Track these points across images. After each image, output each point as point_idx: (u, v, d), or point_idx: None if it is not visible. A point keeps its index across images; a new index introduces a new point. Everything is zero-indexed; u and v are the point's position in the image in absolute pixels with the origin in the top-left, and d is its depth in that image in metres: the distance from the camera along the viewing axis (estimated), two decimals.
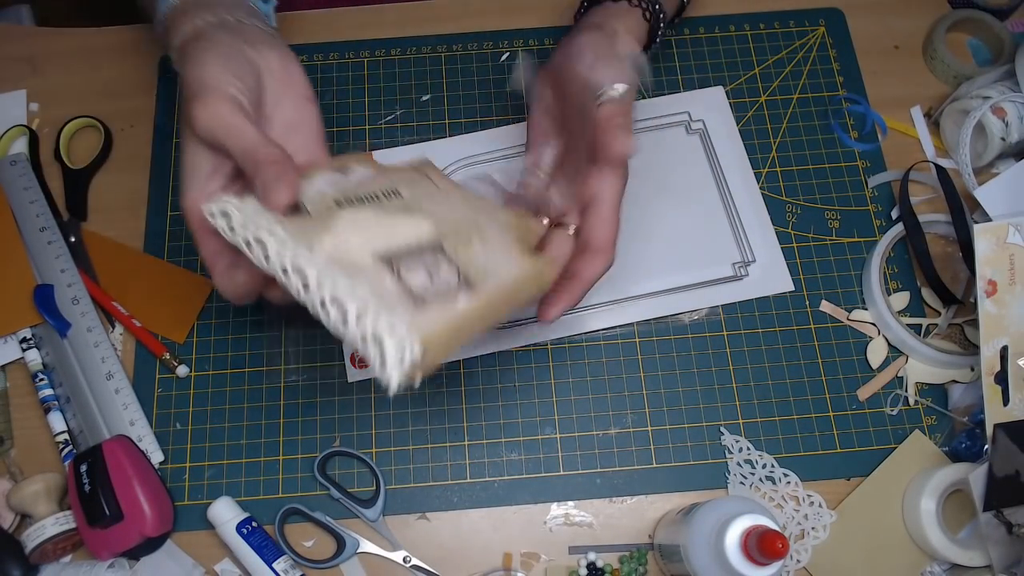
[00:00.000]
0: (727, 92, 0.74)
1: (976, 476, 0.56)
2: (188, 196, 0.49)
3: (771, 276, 0.67)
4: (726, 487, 0.62)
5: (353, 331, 0.42)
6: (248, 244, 0.45)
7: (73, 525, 0.58)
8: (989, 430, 0.57)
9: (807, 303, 0.67)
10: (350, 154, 0.54)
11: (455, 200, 0.52)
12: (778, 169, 0.71)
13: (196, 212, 0.49)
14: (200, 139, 0.48)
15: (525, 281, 0.49)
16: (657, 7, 0.62)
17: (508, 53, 0.76)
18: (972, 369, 0.63)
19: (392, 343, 0.42)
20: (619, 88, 0.52)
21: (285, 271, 0.44)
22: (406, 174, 0.54)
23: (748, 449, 0.62)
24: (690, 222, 0.69)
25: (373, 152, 0.72)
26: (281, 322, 0.66)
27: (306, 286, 0.43)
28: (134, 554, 0.58)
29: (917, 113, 0.73)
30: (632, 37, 0.60)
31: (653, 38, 0.63)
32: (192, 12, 0.55)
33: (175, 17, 0.56)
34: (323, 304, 0.43)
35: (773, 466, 0.62)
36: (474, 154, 0.71)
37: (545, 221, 0.55)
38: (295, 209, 0.48)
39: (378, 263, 0.46)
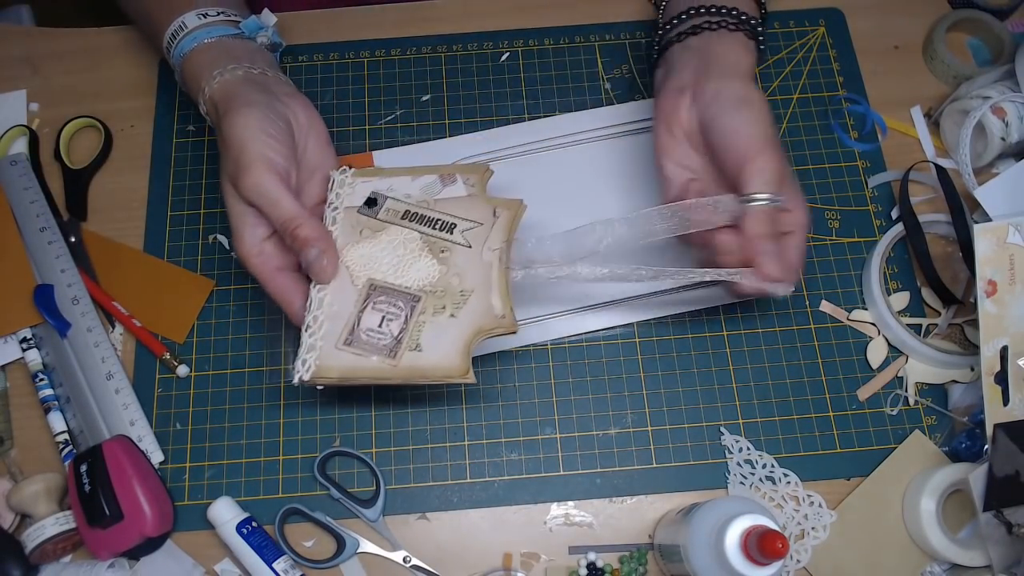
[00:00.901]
0: None
1: (976, 476, 0.56)
2: (241, 247, 0.56)
3: None
4: (726, 487, 0.62)
5: (302, 329, 0.55)
6: (327, 219, 0.57)
7: (73, 525, 0.58)
8: (989, 430, 0.57)
9: (807, 303, 0.67)
10: (471, 165, 0.60)
11: (479, 263, 0.56)
12: None
13: (252, 259, 0.56)
14: (244, 200, 0.55)
15: (440, 373, 0.53)
16: (753, 21, 0.61)
17: (508, 53, 0.76)
18: (972, 369, 0.63)
19: (300, 358, 0.54)
20: (762, 199, 0.55)
21: None
22: (481, 211, 0.57)
23: (748, 449, 0.62)
24: None
25: (373, 152, 0.72)
26: (281, 322, 0.66)
27: (314, 284, 0.55)
28: (134, 554, 0.58)
29: (917, 113, 0.73)
30: (751, 66, 0.61)
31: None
32: (214, 61, 0.60)
33: (193, 62, 0.61)
34: (310, 301, 0.55)
35: (773, 466, 0.62)
36: (474, 154, 0.71)
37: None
38: (373, 203, 0.58)
39: (364, 289, 0.55)
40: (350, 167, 0.59)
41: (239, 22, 0.64)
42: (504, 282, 0.55)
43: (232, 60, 0.60)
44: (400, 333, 0.54)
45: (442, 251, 0.56)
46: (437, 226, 0.56)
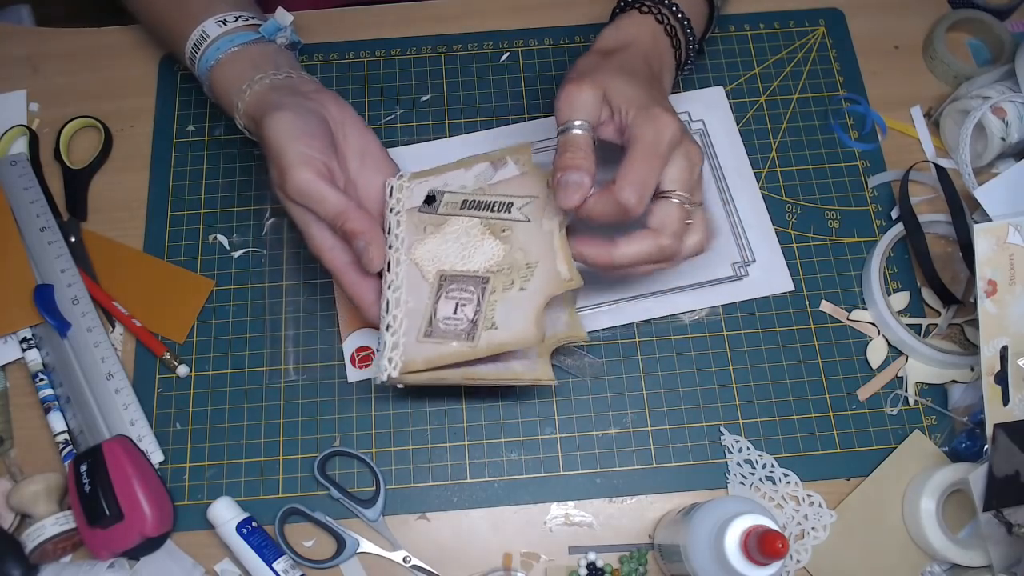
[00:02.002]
0: (727, 92, 0.74)
1: (976, 476, 0.56)
2: (312, 244, 0.57)
3: (771, 276, 0.67)
4: (726, 487, 0.62)
5: (382, 329, 0.55)
6: (390, 224, 0.58)
7: (73, 525, 0.58)
8: (989, 430, 0.57)
9: (807, 303, 0.67)
10: (516, 145, 0.60)
11: (540, 234, 0.57)
12: (778, 169, 0.71)
13: (324, 255, 0.57)
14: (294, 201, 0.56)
15: (519, 343, 0.54)
16: (681, 15, 0.62)
17: (508, 53, 0.76)
18: (972, 369, 0.63)
19: (385, 356, 0.54)
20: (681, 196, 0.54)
21: (388, 264, 0.57)
22: (535, 185, 0.58)
23: (748, 449, 0.62)
24: None
25: None
26: (281, 322, 0.66)
27: (389, 285, 0.56)
28: (134, 554, 0.58)
29: (917, 113, 0.73)
30: (669, 68, 0.62)
31: (688, 51, 0.64)
32: (241, 74, 0.61)
33: (220, 77, 0.62)
34: (387, 302, 0.56)
35: (773, 466, 0.62)
36: (474, 154, 0.71)
37: None
38: (432, 200, 0.59)
39: (436, 281, 0.56)
40: (401, 173, 0.61)
41: (259, 25, 0.64)
42: (566, 245, 0.56)
43: (257, 70, 0.60)
44: (475, 316, 0.55)
45: (503, 230, 0.57)
46: (495, 208, 0.58)
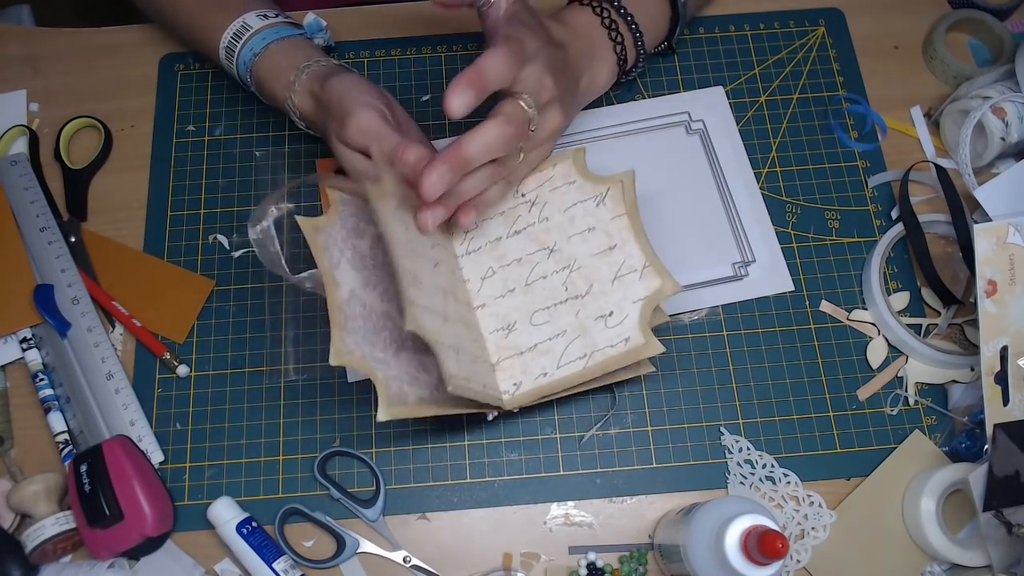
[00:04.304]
0: (727, 92, 0.74)
1: (976, 476, 0.56)
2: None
3: (771, 276, 0.67)
4: (726, 487, 0.62)
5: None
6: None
7: (73, 525, 0.58)
8: (989, 430, 0.57)
9: (807, 303, 0.67)
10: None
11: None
12: (778, 169, 0.71)
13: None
14: (352, 148, 0.58)
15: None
16: (623, 10, 0.65)
17: None
18: (972, 369, 0.63)
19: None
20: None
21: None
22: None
23: (748, 449, 0.62)
24: (690, 222, 0.69)
25: None
26: (281, 322, 0.66)
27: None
28: (134, 554, 0.58)
29: (917, 113, 0.73)
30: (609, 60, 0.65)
31: (638, 48, 0.66)
32: (293, 59, 0.62)
33: (270, 62, 0.63)
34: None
35: (773, 466, 0.62)
36: None
37: None
38: None
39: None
40: None
41: (295, 23, 0.66)
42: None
43: (312, 56, 0.62)
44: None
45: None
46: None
